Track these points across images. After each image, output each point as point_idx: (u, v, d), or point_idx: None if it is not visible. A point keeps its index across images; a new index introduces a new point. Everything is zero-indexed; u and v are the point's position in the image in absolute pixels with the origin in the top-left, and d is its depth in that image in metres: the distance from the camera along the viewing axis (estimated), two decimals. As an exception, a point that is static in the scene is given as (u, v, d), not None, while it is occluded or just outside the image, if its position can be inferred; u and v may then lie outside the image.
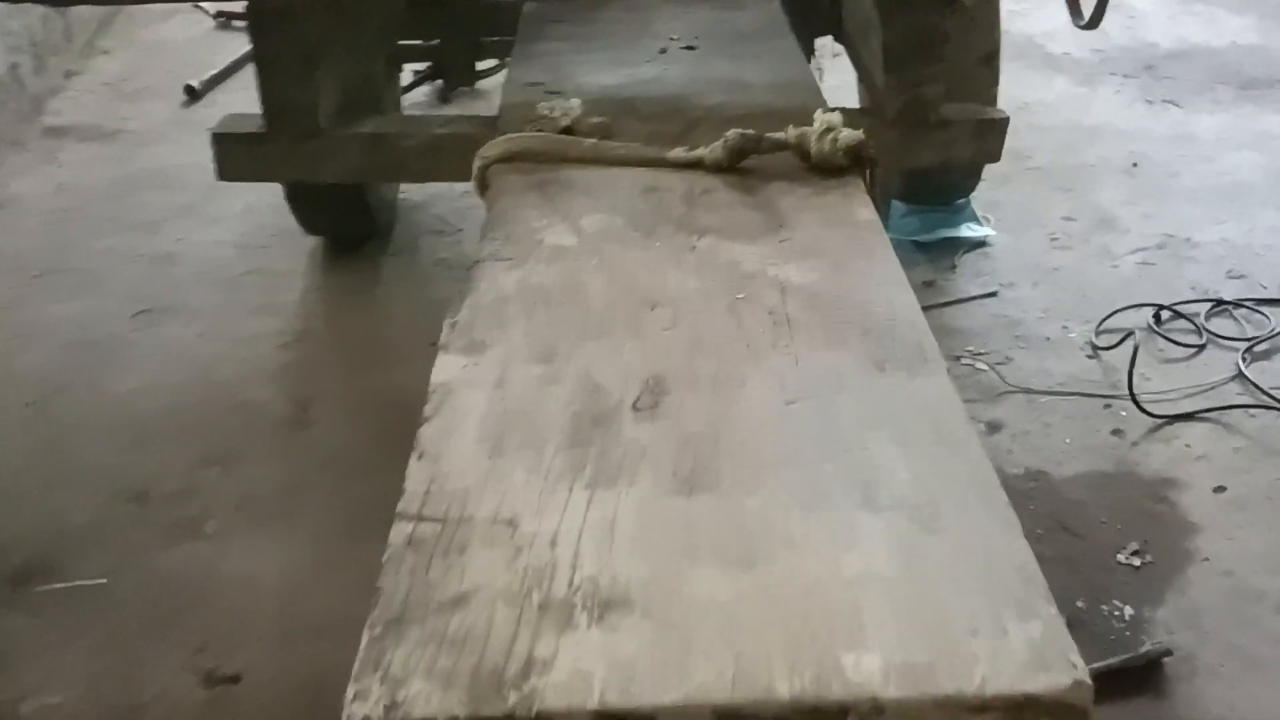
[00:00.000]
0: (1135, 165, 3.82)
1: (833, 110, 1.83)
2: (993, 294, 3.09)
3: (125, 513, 2.39)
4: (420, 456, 1.17)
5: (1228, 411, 2.63)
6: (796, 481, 1.13)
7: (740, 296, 1.46)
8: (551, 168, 1.83)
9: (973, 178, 3.22)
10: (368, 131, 2.36)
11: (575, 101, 1.98)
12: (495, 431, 1.21)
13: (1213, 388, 2.71)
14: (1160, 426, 2.59)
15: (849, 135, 1.75)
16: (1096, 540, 2.28)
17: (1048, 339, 2.93)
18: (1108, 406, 2.66)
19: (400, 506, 1.10)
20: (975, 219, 3.35)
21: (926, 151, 2.37)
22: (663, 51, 2.47)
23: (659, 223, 1.66)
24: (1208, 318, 2.96)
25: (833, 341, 1.37)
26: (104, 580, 2.21)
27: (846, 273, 1.52)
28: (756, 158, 1.81)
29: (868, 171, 1.75)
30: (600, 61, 2.41)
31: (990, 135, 2.36)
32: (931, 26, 2.23)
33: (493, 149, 1.85)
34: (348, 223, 3.28)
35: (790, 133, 1.80)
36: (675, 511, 1.09)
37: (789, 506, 1.10)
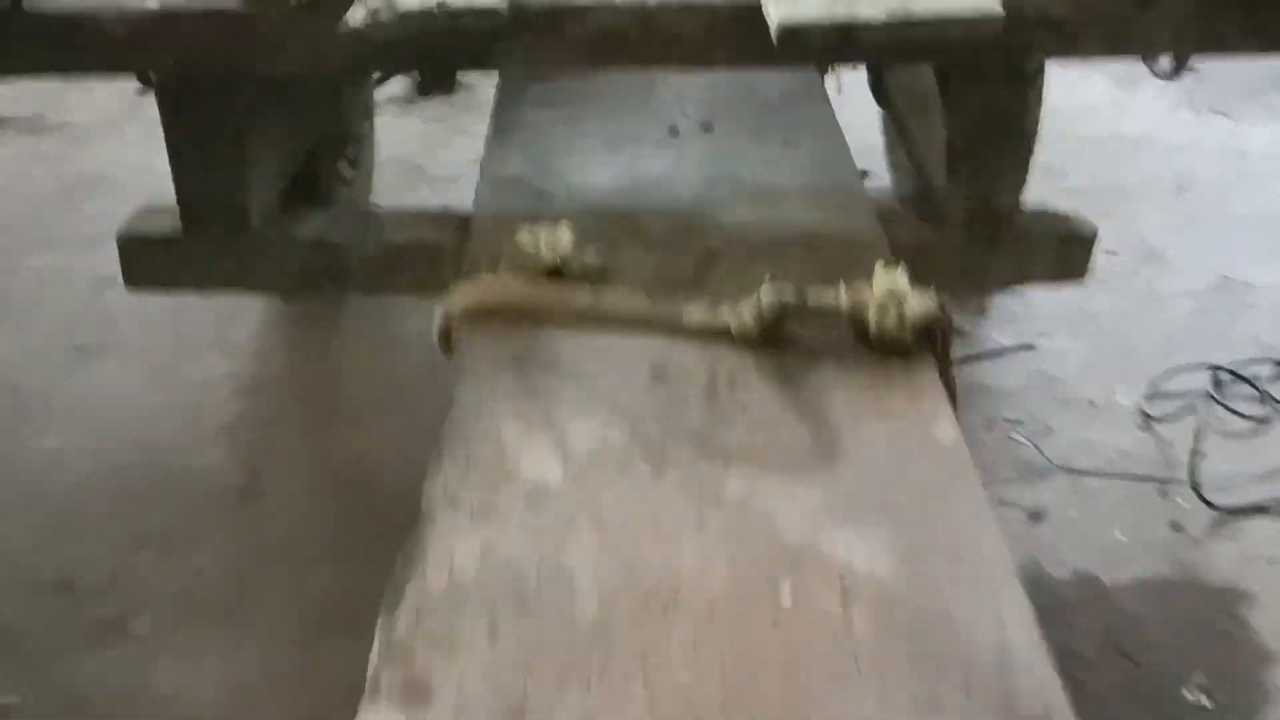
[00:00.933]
0: (1182, 188, 3.48)
1: (895, 266, 1.42)
2: (1029, 346, 2.77)
3: (43, 607, 2.07)
4: None
5: (1303, 504, 2.32)
6: None
7: (786, 598, 1.06)
8: (532, 330, 1.45)
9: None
10: (309, 237, 1.97)
11: (565, 230, 1.57)
12: None
13: (1284, 472, 2.40)
14: (1225, 520, 2.29)
15: (918, 308, 1.37)
16: (1159, 667, 1.98)
17: (1092, 403, 2.61)
18: (1164, 493, 2.35)
19: None
20: (1009, 252, 3.02)
21: (997, 272, 1.96)
22: (673, 133, 2.08)
23: (672, 441, 1.27)
24: (1270, 381, 2.64)
25: (925, 700, 0.96)
26: (15, 698, 1.92)
27: (932, 555, 1.12)
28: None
29: (939, 346, 1.37)
30: (596, 146, 2.03)
31: (1075, 252, 1.96)
32: (1010, 108, 1.80)
33: (460, 299, 1.48)
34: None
35: (842, 298, 1.41)
36: None
37: None
